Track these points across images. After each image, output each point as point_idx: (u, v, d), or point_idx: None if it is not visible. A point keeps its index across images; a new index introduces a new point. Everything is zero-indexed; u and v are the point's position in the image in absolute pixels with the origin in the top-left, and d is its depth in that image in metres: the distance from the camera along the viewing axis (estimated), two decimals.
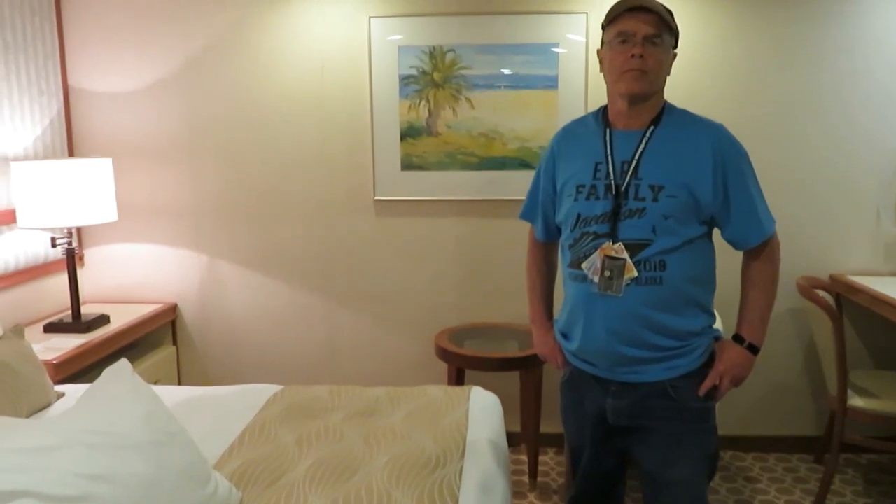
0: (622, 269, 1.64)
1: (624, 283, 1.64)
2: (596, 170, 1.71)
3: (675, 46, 1.71)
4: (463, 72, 3.11)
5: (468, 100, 3.12)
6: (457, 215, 3.23)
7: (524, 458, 3.15)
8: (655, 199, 1.63)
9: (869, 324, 3.14)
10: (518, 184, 3.14)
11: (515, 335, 3.08)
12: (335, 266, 3.31)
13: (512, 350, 2.92)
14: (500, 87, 3.11)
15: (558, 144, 1.86)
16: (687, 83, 3.06)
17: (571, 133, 1.85)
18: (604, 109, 1.79)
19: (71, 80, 3.22)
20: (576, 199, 1.73)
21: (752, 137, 3.04)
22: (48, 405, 2.22)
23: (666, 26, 1.64)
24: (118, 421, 1.48)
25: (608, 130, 1.73)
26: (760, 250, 1.74)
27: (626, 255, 1.64)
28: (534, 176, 1.96)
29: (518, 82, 3.10)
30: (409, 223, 3.26)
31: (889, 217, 3.08)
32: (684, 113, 1.75)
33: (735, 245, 1.75)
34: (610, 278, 1.65)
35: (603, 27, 1.72)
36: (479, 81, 3.11)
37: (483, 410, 2.24)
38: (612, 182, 1.67)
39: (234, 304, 3.37)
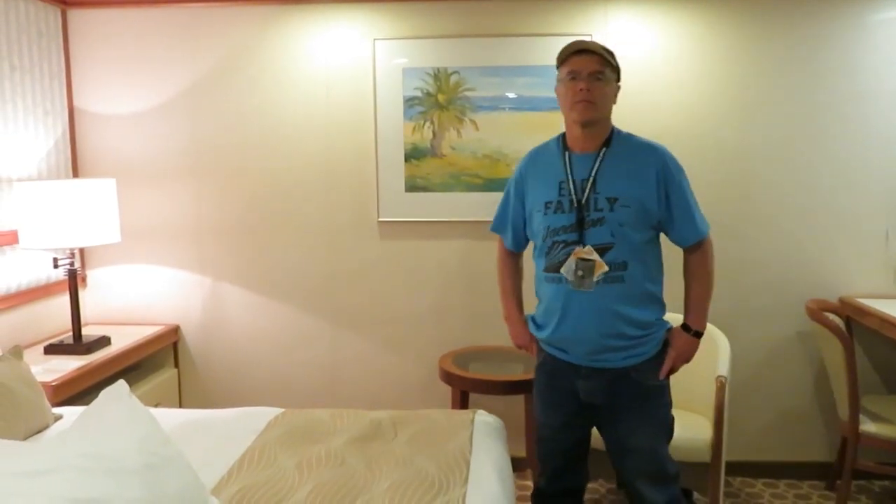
0: (592, 268, 1.94)
1: (595, 280, 1.94)
2: (560, 188, 2.01)
3: (618, 80, 2.03)
4: (467, 93, 3.11)
5: (472, 121, 3.12)
6: (461, 237, 3.21)
7: (529, 483, 3.09)
8: (612, 210, 1.94)
9: (880, 347, 3.09)
10: None
11: (520, 358, 3.04)
12: (338, 288, 3.29)
13: (517, 373, 2.88)
14: (504, 108, 3.11)
15: (525, 168, 2.16)
16: (690, 111, 3.06)
17: (536, 158, 2.16)
18: (563, 136, 2.09)
19: (76, 102, 3.23)
20: (545, 214, 2.02)
21: (759, 161, 3.07)
22: (46, 427, 2.19)
23: (607, 64, 1.96)
24: (112, 444, 1.45)
25: (567, 154, 2.03)
26: (696, 247, 2.06)
27: (595, 255, 1.94)
28: (503, 195, 2.26)
29: (522, 104, 3.09)
30: (413, 245, 3.24)
31: None
32: (629, 136, 2.06)
33: (677, 244, 2.08)
34: (582, 277, 1.95)
35: (557, 67, 2.03)
36: (483, 103, 3.11)
37: (487, 434, 2.20)
38: (574, 197, 1.97)
39: (236, 325, 3.35)
